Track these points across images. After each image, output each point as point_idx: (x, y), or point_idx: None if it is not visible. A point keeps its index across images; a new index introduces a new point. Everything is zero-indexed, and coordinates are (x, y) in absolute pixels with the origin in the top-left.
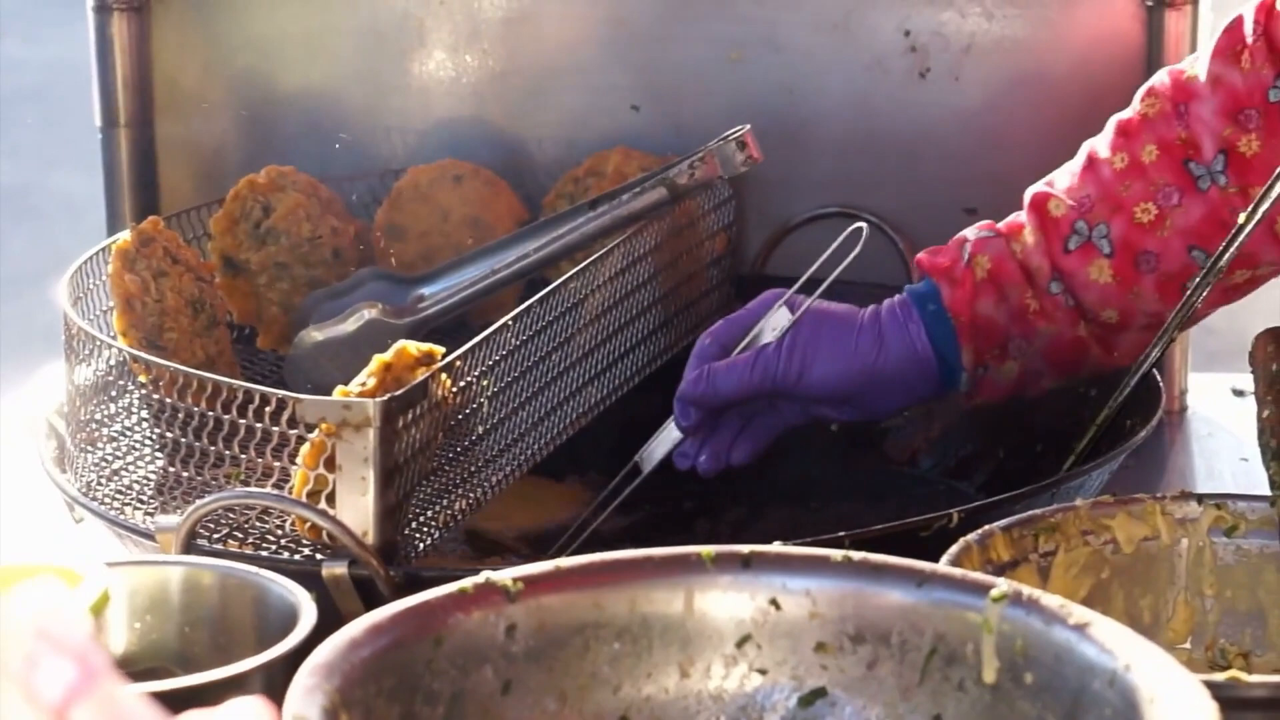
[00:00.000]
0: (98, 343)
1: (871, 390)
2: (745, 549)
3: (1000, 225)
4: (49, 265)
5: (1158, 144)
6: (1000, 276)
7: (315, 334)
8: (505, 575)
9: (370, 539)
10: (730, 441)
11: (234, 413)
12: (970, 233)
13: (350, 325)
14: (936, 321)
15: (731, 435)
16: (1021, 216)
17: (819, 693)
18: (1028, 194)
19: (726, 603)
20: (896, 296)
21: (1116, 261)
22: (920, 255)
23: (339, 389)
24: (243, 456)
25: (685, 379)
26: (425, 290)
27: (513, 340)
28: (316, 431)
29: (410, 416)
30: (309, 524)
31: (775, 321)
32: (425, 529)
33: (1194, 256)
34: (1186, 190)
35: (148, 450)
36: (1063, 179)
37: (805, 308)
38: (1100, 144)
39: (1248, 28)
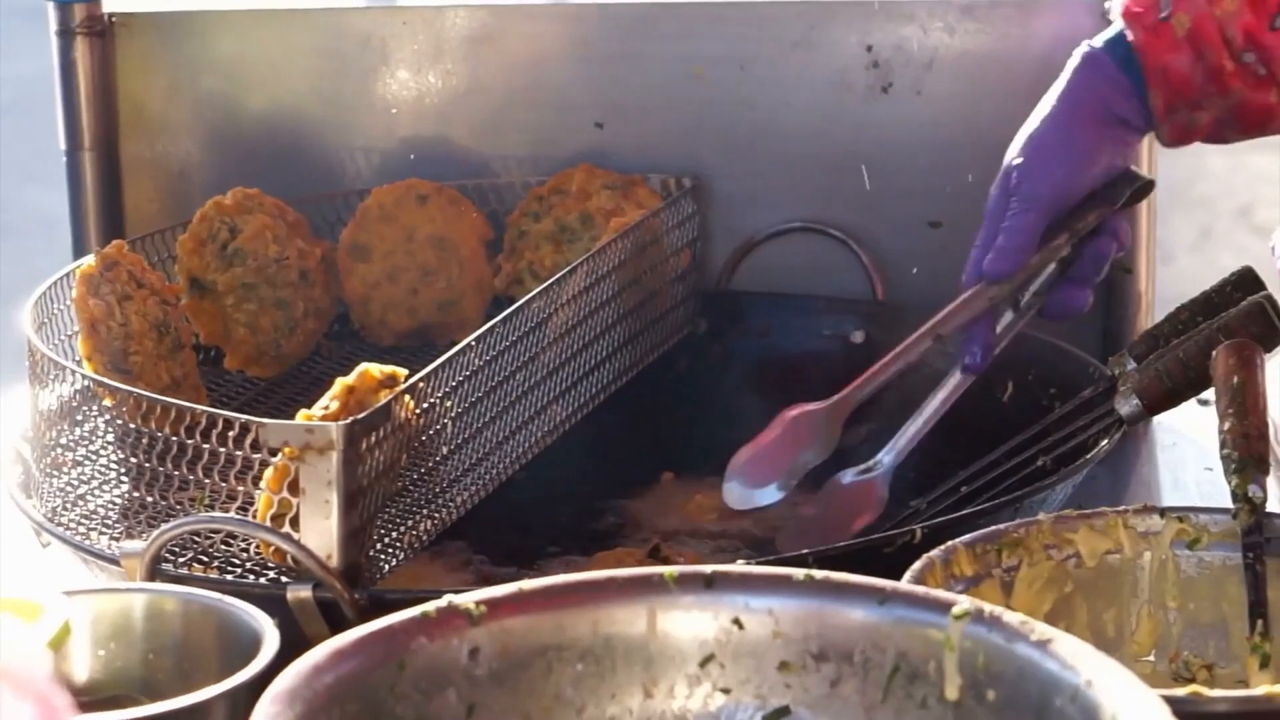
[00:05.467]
0: (62, 368)
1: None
2: (708, 569)
3: None
4: (23, 283)
5: None
6: (1200, 37)
7: None
8: (468, 598)
9: (334, 562)
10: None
11: (197, 437)
12: None
13: None
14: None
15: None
16: None
17: (783, 711)
18: None
19: (689, 623)
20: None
21: None
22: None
23: (302, 413)
24: (207, 481)
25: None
26: None
27: (476, 360)
28: (280, 455)
29: (373, 439)
30: (274, 548)
31: None
32: (390, 550)
33: None
34: None
35: (113, 475)
36: None
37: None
38: None
39: None
